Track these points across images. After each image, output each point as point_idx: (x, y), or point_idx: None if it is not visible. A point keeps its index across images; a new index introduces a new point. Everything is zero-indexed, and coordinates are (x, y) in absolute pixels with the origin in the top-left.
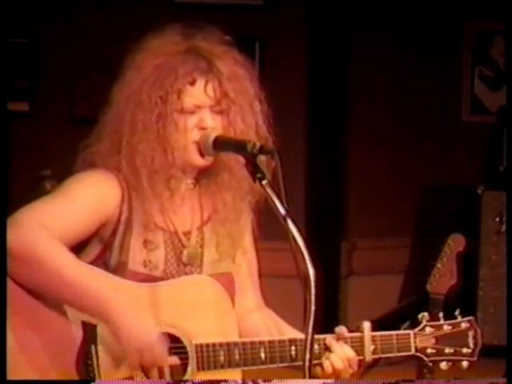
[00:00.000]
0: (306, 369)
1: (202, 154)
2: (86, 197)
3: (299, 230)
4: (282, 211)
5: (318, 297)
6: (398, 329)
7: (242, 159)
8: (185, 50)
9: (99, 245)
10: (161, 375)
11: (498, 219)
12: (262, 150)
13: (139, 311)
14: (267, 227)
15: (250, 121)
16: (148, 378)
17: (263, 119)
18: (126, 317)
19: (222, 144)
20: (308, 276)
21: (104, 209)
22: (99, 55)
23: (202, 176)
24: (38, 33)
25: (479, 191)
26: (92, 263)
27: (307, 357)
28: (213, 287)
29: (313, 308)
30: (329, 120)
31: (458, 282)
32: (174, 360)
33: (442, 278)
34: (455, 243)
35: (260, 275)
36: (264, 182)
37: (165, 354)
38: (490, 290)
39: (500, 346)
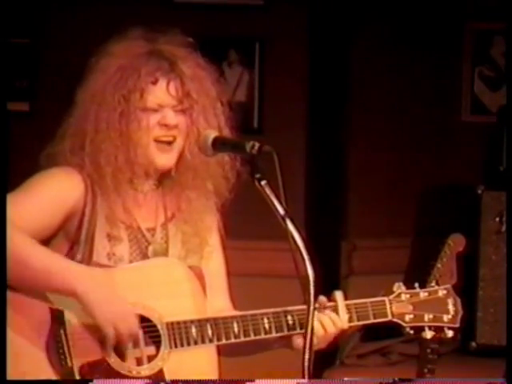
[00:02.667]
0: (306, 368)
1: (164, 155)
2: (47, 192)
3: (298, 230)
4: (281, 211)
5: (318, 297)
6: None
7: (210, 158)
8: (148, 53)
9: (67, 241)
10: (139, 363)
11: (498, 219)
12: (260, 151)
13: (108, 284)
14: (266, 227)
15: (213, 122)
16: (122, 359)
17: (225, 121)
18: (97, 292)
19: (220, 144)
20: (307, 276)
21: (67, 201)
22: None
23: (165, 177)
24: (38, 33)
25: (479, 191)
26: None
27: (306, 356)
28: (179, 267)
29: (312, 308)
30: (329, 120)
31: (458, 281)
32: (152, 350)
33: (442, 277)
34: (455, 243)
35: (259, 275)
36: (263, 183)
37: (137, 324)
38: (490, 289)
39: (500, 345)
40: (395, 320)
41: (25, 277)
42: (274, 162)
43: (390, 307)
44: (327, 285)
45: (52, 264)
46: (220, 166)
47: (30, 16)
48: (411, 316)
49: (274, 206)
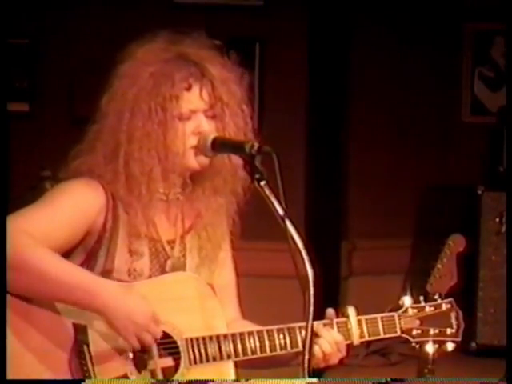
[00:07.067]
0: (305, 369)
1: (198, 158)
2: (71, 205)
3: (298, 231)
4: (281, 212)
5: (318, 297)
6: None
7: (238, 161)
8: (175, 57)
9: (83, 253)
10: (153, 376)
11: (498, 220)
12: (260, 151)
13: (129, 296)
14: (266, 228)
15: (240, 124)
16: (140, 372)
17: (251, 121)
18: (119, 306)
19: (220, 145)
20: (307, 276)
21: (89, 217)
22: (99, 55)
23: (188, 185)
24: (38, 33)
25: (479, 192)
26: None
27: (306, 357)
28: (196, 282)
29: (311, 308)
30: (329, 120)
31: (458, 282)
32: (166, 361)
33: (442, 278)
34: (455, 244)
35: (259, 276)
36: (262, 183)
37: (161, 332)
38: (490, 290)
39: (500, 346)
40: (404, 335)
41: (45, 289)
42: (274, 163)
43: (399, 323)
44: (327, 285)
45: (74, 277)
46: (244, 168)
47: (29, 16)
48: (418, 331)
49: (273, 206)
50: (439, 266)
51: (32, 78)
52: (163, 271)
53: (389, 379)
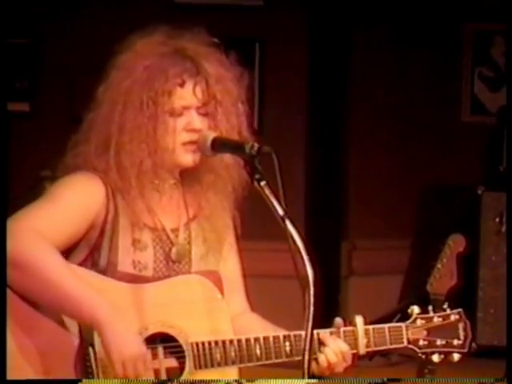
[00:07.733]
0: (306, 369)
1: (194, 155)
2: (73, 201)
3: (298, 231)
4: (281, 212)
5: (318, 297)
6: None
7: (229, 160)
8: (172, 51)
9: (86, 248)
10: (157, 376)
11: (497, 220)
12: (259, 151)
13: (128, 324)
14: (266, 228)
15: (234, 122)
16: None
17: (246, 120)
18: (116, 330)
19: (220, 145)
20: (307, 276)
21: (91, 211)
22: (99, 55)
23: (185, 175)
24: (38, 33)
25: (479, 192)
26: (80, 265)
27: (306, 357)
28: (203, 285)
29: (311, 309)
30: (329, 120)
31: (458, 282)
32: (171, 362)
33: (442, 278)
34: (455, 244)
35: (259, 276)
36: (262, 183)
37: (148, 368)
38: (490, 290)
39: (500, 346)
40: (410, 346)
41: (43, 293)
42: (274, 163)
43: (407, 333)
44: (327, 285)
45: (80, 292)
46: (239, 165)
47: (30, 16)
48: (425, 342)
49: (273, 206)
50: (439, 266)
51: (32, 78)
52: (168, 261)
53: (385, 379)
